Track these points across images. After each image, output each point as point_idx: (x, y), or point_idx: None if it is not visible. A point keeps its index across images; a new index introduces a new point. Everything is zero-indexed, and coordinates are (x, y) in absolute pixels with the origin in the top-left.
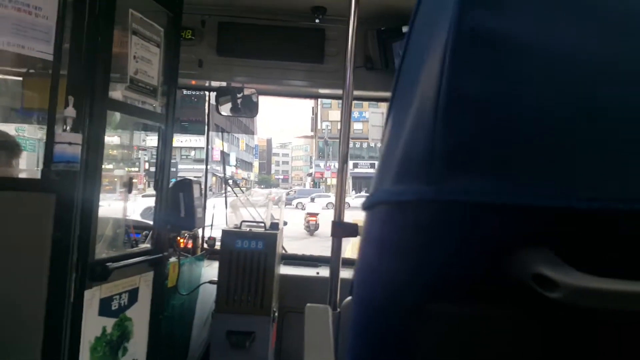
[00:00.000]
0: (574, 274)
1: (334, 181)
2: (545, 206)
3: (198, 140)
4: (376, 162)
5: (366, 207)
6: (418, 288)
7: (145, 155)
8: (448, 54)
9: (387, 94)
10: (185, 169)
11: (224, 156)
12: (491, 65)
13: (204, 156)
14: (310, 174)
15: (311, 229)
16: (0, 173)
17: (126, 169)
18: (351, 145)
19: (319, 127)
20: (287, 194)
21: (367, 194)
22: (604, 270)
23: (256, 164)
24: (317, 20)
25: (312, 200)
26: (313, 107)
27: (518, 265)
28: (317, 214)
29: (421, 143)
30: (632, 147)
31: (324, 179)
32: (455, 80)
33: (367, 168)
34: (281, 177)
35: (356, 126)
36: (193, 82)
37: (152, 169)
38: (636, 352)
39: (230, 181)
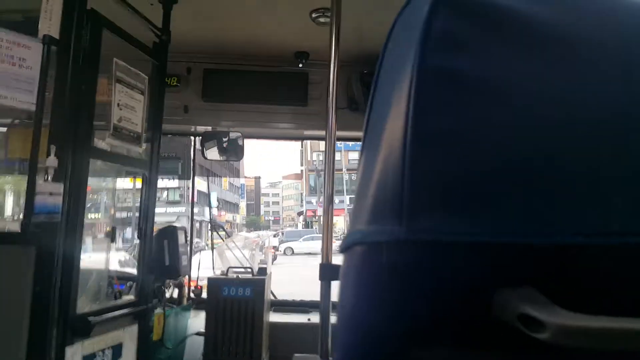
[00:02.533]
0: (561, 313)
1: (334, 219)
2: (525, 243)
3: (171, 180)
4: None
5: (343, 249)
6: (398, 334)
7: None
8: (413, 94)
9: None
10: (157, 213)
11: (209, 199)
12: (455, 103)
13: (177, 198)
14: (301, 213)
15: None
16: None
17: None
18: (346, 177)
19: (308, 158)
20: (275, 236)
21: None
22: (591, 308)
23: (243, 204)
24: (300, 65)
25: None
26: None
27: (502, 306)
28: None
29: (391, 182)
30: (610, 181)
31: (316, 217)
32: (421, 119)
33: None
34: (272, 218)
35: (351, 156)
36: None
37: (121, 215)
38: None
39: (216, 226)
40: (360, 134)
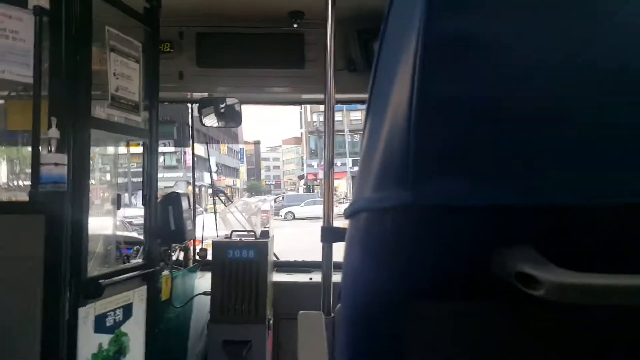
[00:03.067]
0: (555, 271)
1: (336, 183)
2: (524, 204)
3: (167, 144)
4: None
5: (348, 215)
6: (402, 290)
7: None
8: (418, 58)
9: None
10: None
11: (209, 165)
12: (461, 67)
13: (174, 162)
14: (302, 177)
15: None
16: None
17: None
18: (349, 139)
19: (308, 119)
20: (275, 201)
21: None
22: (584, 266)
23: (243, 169)
24: (295, 25)
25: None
26: None
27: (500, 264)
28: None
29: (397, 149)
30: (608, 144)
31: (318, 180)
32: (427, 83)
33: None
34: (273, 182)
35: (353, 116)
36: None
37: (118, 180)
38: (618, 344)
39: (217, 191)
40: (359, 96)
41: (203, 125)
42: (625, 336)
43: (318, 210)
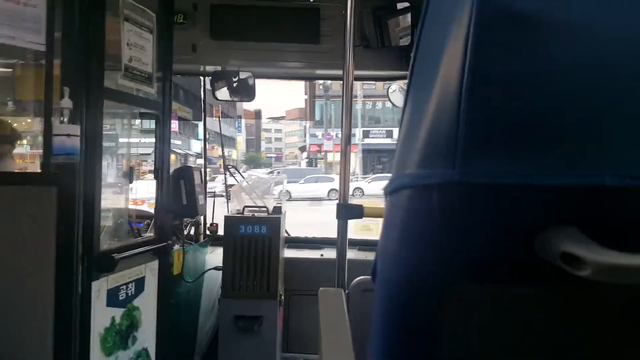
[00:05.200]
0: (602, 251)
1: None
2: (574, 184)
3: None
4: (396, 131)
5: (388, 192)
6: (444, 270)
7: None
8: (471, 33)
9: (387, 73)
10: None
11: (221, 139)
12: (516, 44)
13: (153, 126)
14: (303, 148)
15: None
16: (1, 168)
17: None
18: (359, 106)
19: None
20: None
21: (389, 177)
22: (633, 247)
23: (241, 139)
24: (311, 0)
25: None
26: None
27: (546, 245)
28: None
29: (445, 125)
30: None
31: (322, 153)
32: (480, 59)
33: (382, 138)
34: (274, 155)
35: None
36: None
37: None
38: None
39: (228, 165)
40: (374, 72)
41: (216, 99)
42: None
43: (321, 189)
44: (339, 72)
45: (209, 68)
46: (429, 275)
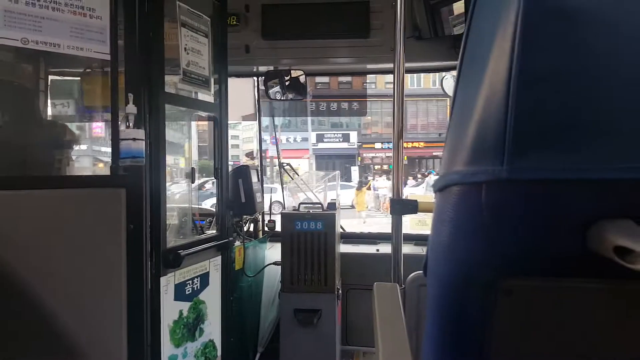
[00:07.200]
0: None
1: (295, 163)
2: (626, 178)
3: None
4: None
5: (438, 188)
6: (494, 265)
7: None
8: (519, 30)
9: (438, 64)
10: None
11: (277, 143)
12: (564, 39)
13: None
14: (250, 154)
15: None
16: (72, 171)
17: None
18: (312, 107)
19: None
20: (200, 188)
21: (438, 175)
22: None
23: (188, 146)
24: None
25: None
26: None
27: (598, 239)
28: None
29: (493, 123)
30: None
31: (269, 159)
32: (528, 56)
33: (337, 142)
34: (231, 163)
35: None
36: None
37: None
38: None
39: (286, 166)
40: (426, 64)
41: (270, 98)
42: None
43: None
44: (390, 66)
45: (262, 68)
46: (480, 269)
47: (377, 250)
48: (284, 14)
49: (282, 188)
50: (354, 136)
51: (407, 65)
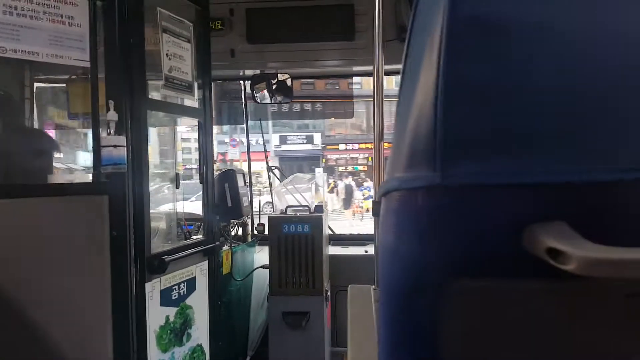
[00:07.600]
0: (586, 246)
1: (259, 166)
2: (553, 182)
3: None
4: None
5: (381, 194)
6: (439, 268)
7: None
8: (444, 41)
9: None
10: None
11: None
12: (488, 48)
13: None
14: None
15: None
16: (54, 179)
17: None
18: (274, 109)
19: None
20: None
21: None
22: (617, 241)
23: (171, 152)
24: None
25: None
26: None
27: (532, 241)
28: None
29: (424, 130)
30: (636, 121)
31: (228, 163)
32: (453, 66)
33: (302, 144)
34: (194, 166)
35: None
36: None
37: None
38: None
39: (272, 167)
40: None
41: (256, 102)
42: None
43: None
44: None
45: (248, 72)
46: (426, 273)
47: (366, 251)
48: (268, 18)
49: (271, 190)
50: (317, 138)
51: (391, 67)
